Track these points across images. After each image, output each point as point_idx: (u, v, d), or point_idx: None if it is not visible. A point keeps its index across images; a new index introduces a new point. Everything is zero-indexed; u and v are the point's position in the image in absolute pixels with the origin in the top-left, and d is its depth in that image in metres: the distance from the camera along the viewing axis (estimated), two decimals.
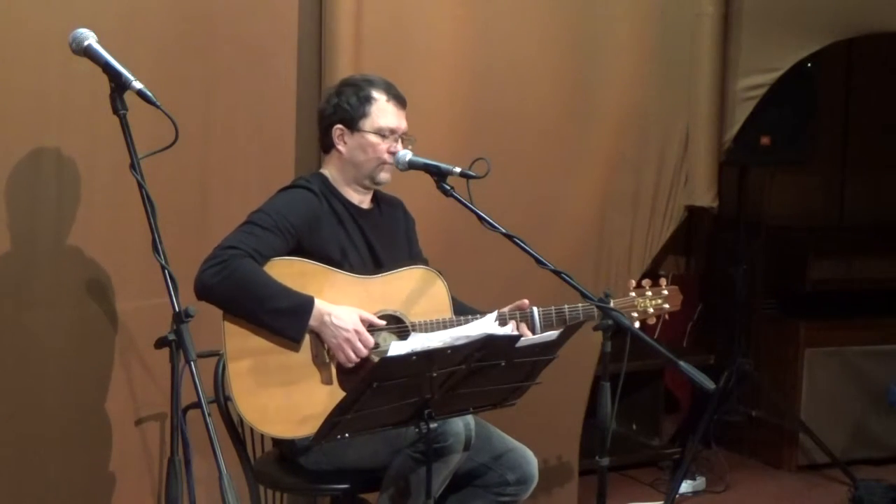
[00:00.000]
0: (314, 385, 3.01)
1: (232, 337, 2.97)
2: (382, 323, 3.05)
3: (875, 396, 5.08)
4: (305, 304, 2.97)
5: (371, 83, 3.22)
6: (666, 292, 3.25)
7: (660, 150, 4.43)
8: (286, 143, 3.74)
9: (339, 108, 3.18)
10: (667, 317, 3.29)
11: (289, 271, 3.01)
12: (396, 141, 3.18)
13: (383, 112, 3.18)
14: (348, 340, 2.98)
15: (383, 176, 3.19)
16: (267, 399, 2.97)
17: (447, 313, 3.14)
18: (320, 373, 3.03)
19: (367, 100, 3.17)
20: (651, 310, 3.22)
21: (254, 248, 2.96)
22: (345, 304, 3.02)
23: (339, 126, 3.18)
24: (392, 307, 3.11)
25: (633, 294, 3.22)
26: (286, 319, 2.96)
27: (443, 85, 3.98)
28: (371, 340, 3.00)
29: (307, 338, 3.00)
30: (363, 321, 3.01)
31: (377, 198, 3.29)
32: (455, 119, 4.00)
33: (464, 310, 3.17)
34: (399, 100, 3.22)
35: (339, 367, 3.02)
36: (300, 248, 3.06)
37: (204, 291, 2.93)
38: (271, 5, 3.70)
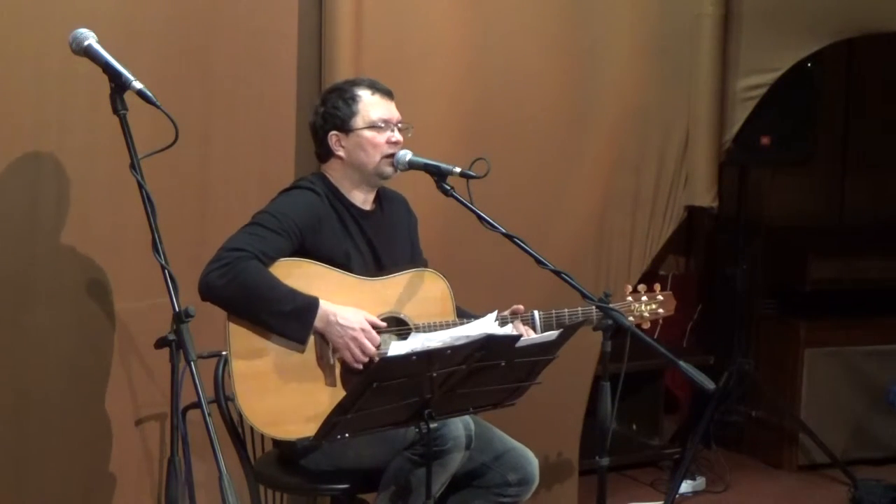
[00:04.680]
0: (318, 386, 3.01)
1: (236, 338, 2.96)
2: (385, 325, 3.04)
3: (875, 396, 5.08)
4: (310, 305, 2.97)
5: (353, 83, 3.22)
6: (661, 297, 3.29)
7: (660, 151, 4.43)
8: (286, 143, 3.74)
9: (329, 115, 3.17)
10: (660, 321, 3.32)
11: (294, 272, 3.00)
12: (393, 130, 3.17)
13: (371, 105, 3.16)
14: (355, 339, 2.97)
15: (388, 170, 3.17)
16: (271, 401, 2.96)
17: (451, 317, 3.14)
18: (324, 374, 3.02)
19: (353, 99, 3.16)
20: (647, 314, 3.26)
21: (260, 249, 2.95)
22: (350, 306, 3.02)
23: (334, 132, 3.16)
24: (396, 309, 3.11)
25: (629, 299, 3.25)
26: (291, 322, 2.96)
27: (443, 86, 3.97)
28: (377, 339, 3.00)
29: (312, 339, 3.00)
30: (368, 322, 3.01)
31: (379, 196, 3.28)
32: (455, 118, 3.99)
33: (466, 315, 3.17)
34: (385, 92, 3.20)
35: (344, 369, 3.02)
36: (303, 249, 3.05)
37: (209, 293, 2.93)
38: (271, 5, 3.70)
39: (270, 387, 2.97)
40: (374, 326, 3.02)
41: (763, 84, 4.48)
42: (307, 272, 3.03)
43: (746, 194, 4.97)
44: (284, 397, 2.97)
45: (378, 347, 3.00)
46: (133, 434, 3.55)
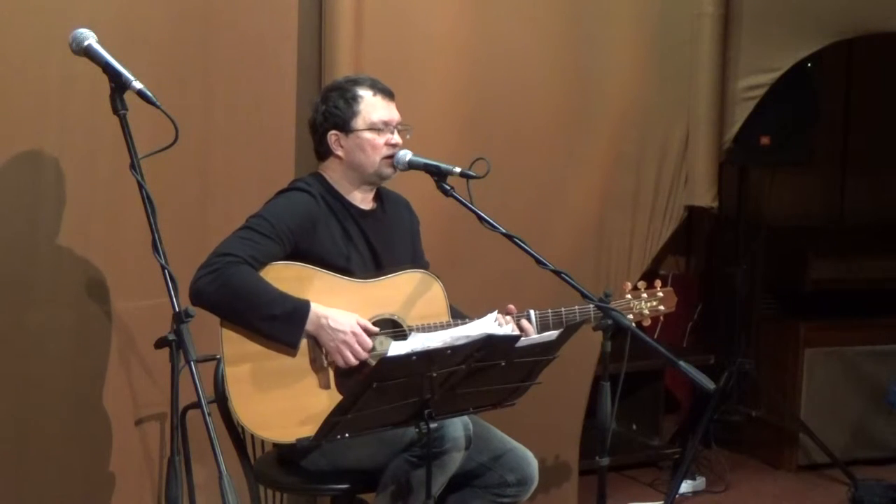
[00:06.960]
0: (312, 389, 3.00)
1: (230, 342, 2.96)
2: (377, 329, 3.03)
3: (875, 396, 5.08)
4: (301, 309, 2.96)
5: (355, 82, 3.21)
6: (661, 294, 3.28)
7: (660, 150, 4.43)
8: (286, 143, 3.74)
9: (329, 114, 3.16)
10: (661, 318, 3.33)
11: (285, 276, 2.99)
12: (393, 132, 3.17)
13: (372, 107, 3.16)
14: (346, 343, 2.97)
15: (388, 171, 3.17)
16: (265, 404, 2.96)
17: (445, 317, 3.13)
18: (318, 377, 3.02)
19: (354, 99, 3.15)
20: (646, 311, 3.25)
21: (250, 254, 2.94)
22: (342, 309, 3.01)
23: (333, 132, 3.15)
24: (390, 311, 3.10)
25: (629, 296, 3.24)
26: (282, 326, 2.94)
27: (443, 86, 3.97)
28: (369, 343, 2.99)
29: (305, 342, 2.99)
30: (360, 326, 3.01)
31: (381, 196, 3.27)
32: (455, 118, 3.99)
33: (459, 316, 3.17)
34: (386, 92, 3.20)
35: (337, 371, 3.02)
36: (298, 252, 3.04)
37: (198, 298, 2.91)
38: (271, 4, 3.70)
39: (264, 390, 2.96)
40: (366, 330, 3.01)
41: (763, 84, 4.48)
42: (298, 275, 3.02)
43: (746, 194, 4.97)
44: (278, 401, 2.96)
45: (370, 351, 3.00)
46: (133, 434, 3.55)
